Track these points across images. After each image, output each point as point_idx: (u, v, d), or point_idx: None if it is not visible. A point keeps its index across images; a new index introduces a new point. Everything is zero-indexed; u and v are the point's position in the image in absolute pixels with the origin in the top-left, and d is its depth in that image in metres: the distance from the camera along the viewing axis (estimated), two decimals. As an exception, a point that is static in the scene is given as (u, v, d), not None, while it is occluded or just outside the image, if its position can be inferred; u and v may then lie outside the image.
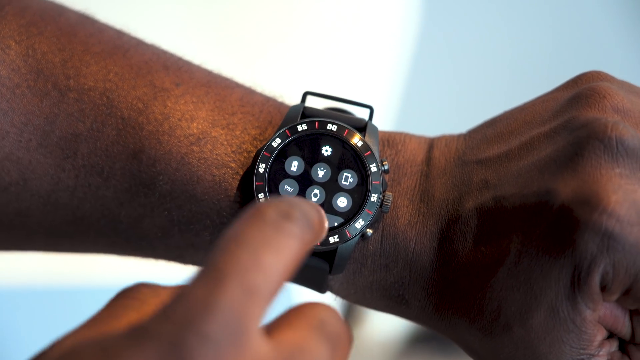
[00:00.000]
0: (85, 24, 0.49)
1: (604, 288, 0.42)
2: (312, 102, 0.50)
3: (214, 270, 0.31)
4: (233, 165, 0.48)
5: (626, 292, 0.42)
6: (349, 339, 0.35)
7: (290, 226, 0.33)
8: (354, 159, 0.48)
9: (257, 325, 0.31)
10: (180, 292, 0.31)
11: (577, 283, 0.41)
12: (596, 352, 0.43)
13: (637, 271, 0.41)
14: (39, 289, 1.03)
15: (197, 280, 0.31)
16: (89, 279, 1.05)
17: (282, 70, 1.13)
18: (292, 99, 0.51)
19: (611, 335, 0.44)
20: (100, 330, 0.33)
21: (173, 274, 0.53)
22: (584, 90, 0.45)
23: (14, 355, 0.98)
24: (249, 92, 0.50)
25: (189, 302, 0.30)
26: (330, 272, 0.47)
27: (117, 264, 1.02)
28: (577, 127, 0.43)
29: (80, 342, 0.32)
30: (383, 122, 0.56)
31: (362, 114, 0.50)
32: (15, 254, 0.52)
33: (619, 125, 0.42)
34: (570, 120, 0.44)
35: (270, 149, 0.47)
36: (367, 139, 0.48)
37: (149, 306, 0.34)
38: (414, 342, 1.28)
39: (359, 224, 0.47)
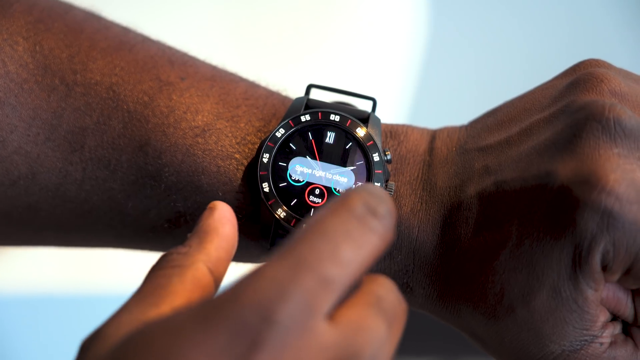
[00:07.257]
0: (91, 20, 0.50)
1: (605, 267, 0.42)
2: (317, 96, 0.51)
3: (292, 256, 0.32)
4: (237, 156, 0.48)
5: (627, 272, 0.42)
6: (404, 312, 0.35)
7: (374, 222, 0.34)
8: (356, 149, 0.49)
9: (325, 313, 0.32)
10: (254, 273, 0.31)
11: (578, 262, 0.41)
12: (599, 334, 0.43)
13: (637, 249, 0.41)
14: (39, 295, 1.04)
15: (273, 263, 0.31)
16: (89, 286, 1.05)
17: (288, 65, 1.14)
18: (296, 93, 0.52)
19: (614, 318, 0.44)
20: (151, 309, 0.33)
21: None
22: (582, 76, 0.46)
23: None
24: (253, 86, 0.51)
25: (262, 286, 0.31)
26: None
27: (115, 273, 1.03)
28: (575, 110, 0.44)
29: (147, 324, 0.32)
30: (388, 116, 0.57)
31: (367, 107, 0.51)
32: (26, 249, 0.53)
33: (616, 107, 0.43)
34: (569, 104, 0.45)
35: (274, 139, 0.48)
36: (369, 129, 0.49)
37: (195, 270, 0.35)
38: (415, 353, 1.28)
39: None
